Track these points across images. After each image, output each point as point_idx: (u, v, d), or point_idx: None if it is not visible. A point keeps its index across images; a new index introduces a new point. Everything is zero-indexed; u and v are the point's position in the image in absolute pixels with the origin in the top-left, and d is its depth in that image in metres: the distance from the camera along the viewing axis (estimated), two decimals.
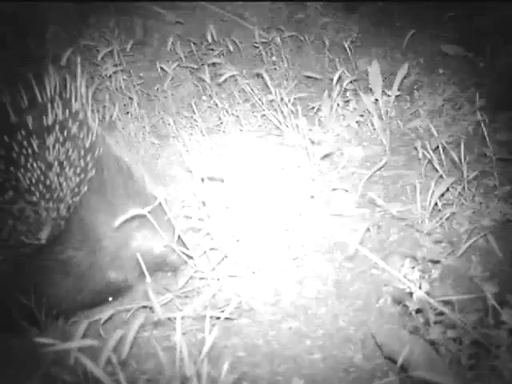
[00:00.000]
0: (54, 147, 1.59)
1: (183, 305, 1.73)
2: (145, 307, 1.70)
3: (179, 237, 1.66)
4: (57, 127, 1.61)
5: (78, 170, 1.63)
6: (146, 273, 1.50)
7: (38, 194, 1.57)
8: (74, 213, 1.64)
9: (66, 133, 1.62)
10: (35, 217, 1.58)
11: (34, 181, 1.56)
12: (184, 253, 1.69)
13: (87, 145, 1.66)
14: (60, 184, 1.59)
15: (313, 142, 1.88)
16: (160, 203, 1.58)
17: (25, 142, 1.56)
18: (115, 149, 1.77)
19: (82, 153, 1.64)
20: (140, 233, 1.73)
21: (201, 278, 1.78)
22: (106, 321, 1.65)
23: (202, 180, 1.63)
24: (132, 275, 1.75)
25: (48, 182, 1.57)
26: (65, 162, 1.60)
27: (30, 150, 1.56)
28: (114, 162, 1.73)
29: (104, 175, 1.69)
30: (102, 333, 1.61)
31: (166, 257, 1.77)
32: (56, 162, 1.59)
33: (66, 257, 1.66)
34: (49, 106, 1.62)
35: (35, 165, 1.56)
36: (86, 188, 1.64)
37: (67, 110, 1.65)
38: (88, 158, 1.65)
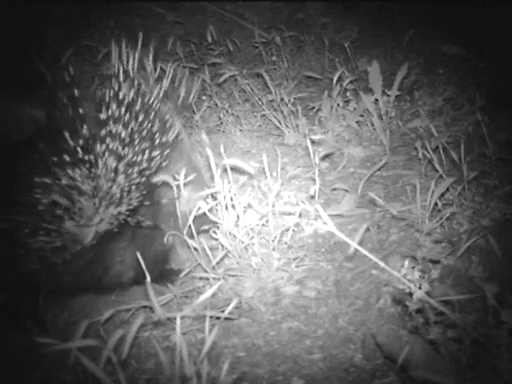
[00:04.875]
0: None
1: (183, 305, 1.73)
2: (145, 307, 1.70)
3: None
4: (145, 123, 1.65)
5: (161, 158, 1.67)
6: (146, 272, 1.49)
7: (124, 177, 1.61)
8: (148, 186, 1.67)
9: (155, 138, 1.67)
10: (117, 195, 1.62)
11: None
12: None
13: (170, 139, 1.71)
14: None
15: (313, 142, 1.88)
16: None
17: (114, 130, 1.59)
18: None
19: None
20: (185, 191, 1.74)
21: (201, 278, 1.78)
22: (106, 321, 1.65)
23: (222, 171, 1.66)
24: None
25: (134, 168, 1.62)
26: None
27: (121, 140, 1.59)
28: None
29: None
30: (102, 333, 1.61)
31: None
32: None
33: (135, 222, 1.68)
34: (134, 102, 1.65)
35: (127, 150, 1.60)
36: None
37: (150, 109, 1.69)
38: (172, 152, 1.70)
